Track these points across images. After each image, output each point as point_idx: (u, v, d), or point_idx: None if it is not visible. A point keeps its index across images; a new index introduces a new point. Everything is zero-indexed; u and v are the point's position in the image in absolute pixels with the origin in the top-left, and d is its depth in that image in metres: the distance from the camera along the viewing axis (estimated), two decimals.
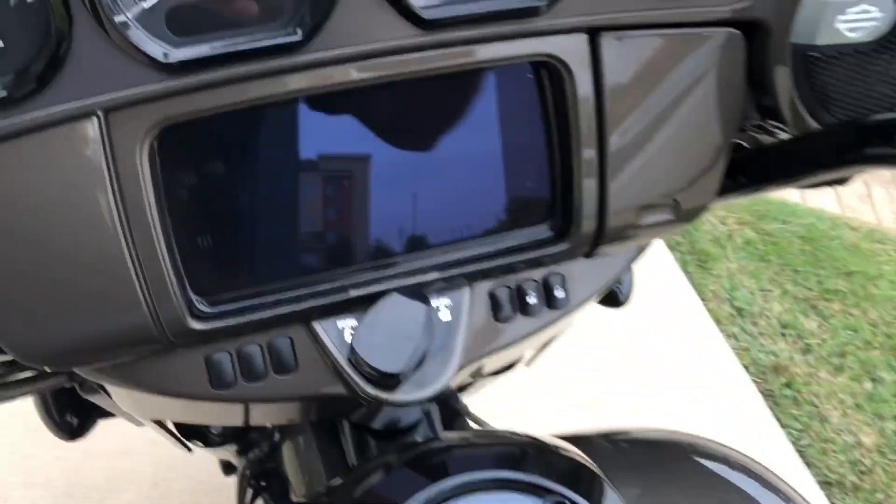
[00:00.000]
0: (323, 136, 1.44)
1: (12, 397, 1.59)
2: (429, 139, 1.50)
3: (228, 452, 2.87)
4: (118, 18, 1.20)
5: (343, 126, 1.49)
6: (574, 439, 1.53)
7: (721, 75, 1.42)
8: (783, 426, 4.85)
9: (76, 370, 1.51)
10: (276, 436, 2.11)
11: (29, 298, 1.31)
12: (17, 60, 1.17)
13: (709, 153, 1.47)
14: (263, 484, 3.07)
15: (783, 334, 5.48)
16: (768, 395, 5.07)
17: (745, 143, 1.73)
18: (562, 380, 4.84)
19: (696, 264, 6.05)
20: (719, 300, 5.75)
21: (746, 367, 5.29)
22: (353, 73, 1.28)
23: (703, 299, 5.78)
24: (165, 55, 1.22)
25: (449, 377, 1.41)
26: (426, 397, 1.39)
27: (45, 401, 2.11)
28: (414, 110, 1.50)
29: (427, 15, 1.21)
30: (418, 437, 1.67)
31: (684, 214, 1.52)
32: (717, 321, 5.61)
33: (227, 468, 3.16)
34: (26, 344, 1.31)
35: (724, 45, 1.41)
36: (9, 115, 1.18)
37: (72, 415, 2.07)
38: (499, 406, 4.58)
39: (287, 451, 2.04)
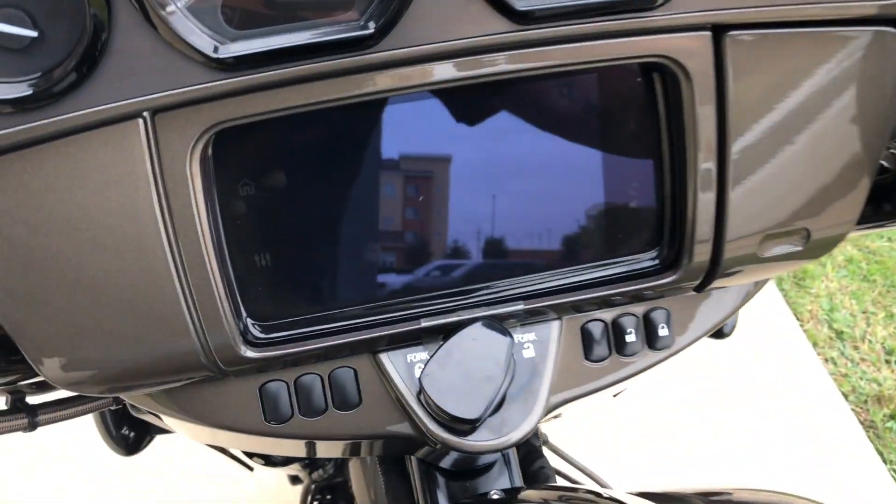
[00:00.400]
0: (396, 142, 1.26)
1: (58, 420, 1.47)
2: (517, 148, 1.30)
3: (293, 468, 2.74)
4: (165, 8, 1.05)
5: (420, 132, 1.30)
6: (667, 498, 1.31)
7: (867, 82, 1.17)
8: (885, 461, 4.46)
9: (120, 396, 1.38)
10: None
11: (66, 318, 1.17)
12: (53, 50, 1.02)
13: (850, 173, 1.23)
14: (329, 497, 2.93)
15: (887, 361, 5.07)
16: (870, 427, 4.67)
17: (889, 165, 1.47)
18: (643, 406, 4.57)
19: (792, 282, 5.67)
20: (817, 321, 5.36)
21: (846, 396, 4.91)
22: (435, 74, 1.09)
23: (799, 320, 5.42)
24: (216, 49, 1.05)
25: (532, 425, 1.22)
26: (504, 447, 1.20)
27: (101, 413, 2.01)
28: (501, 115, 1.30)
29: (522, 6, 1.02)
30: (493, 485, 1.46)
31: (814, 246, 1.28)
32: (815, 344, 5.24)
33: (294, 479, 3.04)
34: (63, 369, 1.17)
35: (871, 45, 1.16)
36: (46, 114, 1.03)
37: (128, 428, 1.96)
38: (578, 432, 4.36)
39: (354, 472, 1.88)
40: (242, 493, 4.15)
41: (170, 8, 1.05)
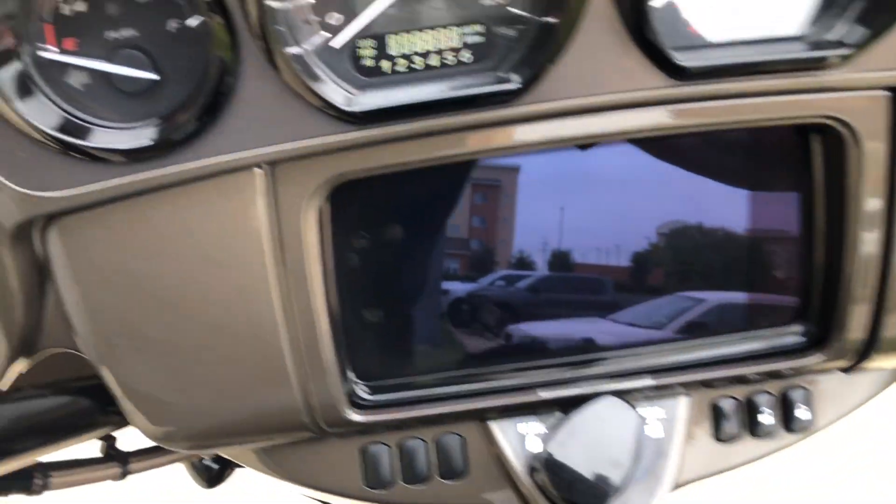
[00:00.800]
0: (524, 201, 1.16)
1: (149, 468, 1.40)
2: (652, 206, 1.19)
3: None
4: (291, 50, 0.96)
5: (549, 188, 1.20)
6: None
7: None
8: None
9: (216, 451, 1.31)
10: None
11: (168, 370, 1.10)
12: (173, 96, 0.95)
13: None
14: None
15: None
16: None
17: None
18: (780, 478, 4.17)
19: None
20: None
21: None
22: (580, 128, 0.99)
23: None
24: (349, 101, 0.97)
25: None
26: None
27: None
28: (635, 171, 1.19)
29: (685, 62, 0.91)
30: None
31: None
32: None
33: None
34: (162, 424, 1.11)
35: None
36: (161, 164, 0.96)
37: (212, 461, 1.91)
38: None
39: None
40: None
41: (296, 50, 0.96)
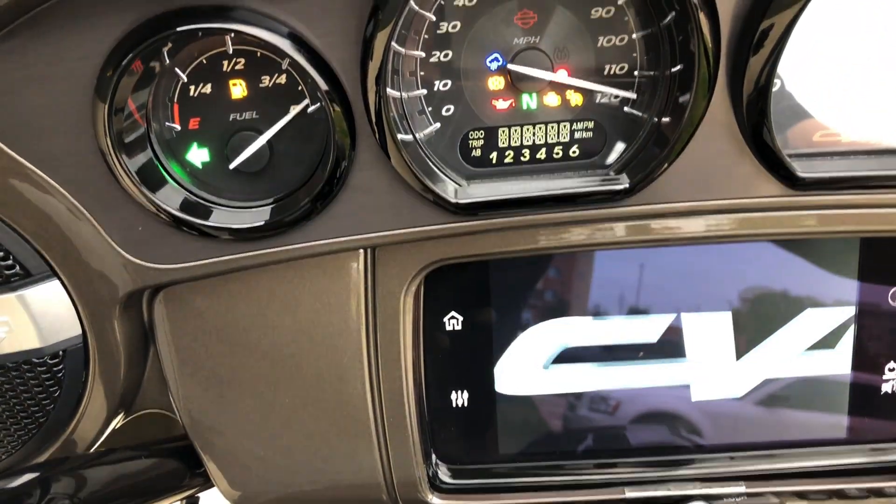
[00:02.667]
0: (620, 292, 1.14)
1: None
2: (757, 311, 1.15)
3: None
4: (404, 137, 0.98)
5: (645, 282, 1.18)
6: None
7: None
8: None
9: None
10: None
11: (255, 439, 1.12)
12: (288, 177, 0.98)
13: None
14: None
15: None
16: None
17: None
18: None
19: None
20: None
21: None
22: (688, 229, 0.98)
23: None
24: (456, 193, 0.97)
25: None
26: None
27: None
28: (735, 274, 1.16)
29: (804, 173, 0.89)
30: None
31: None
32: None
33: None
34: (244, 490, 1.12)
35: None
36: (270, 243, 0.98)
37: None
38: None
39: None
40: None
41: (408, 137, 0.97)
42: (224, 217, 0.98)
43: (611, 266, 1.16)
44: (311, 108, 1.00)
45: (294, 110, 0.99)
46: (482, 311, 1.16)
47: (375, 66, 0.89)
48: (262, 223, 0.97)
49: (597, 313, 1.18)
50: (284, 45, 0.89)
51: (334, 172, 0.96)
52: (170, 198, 0.98)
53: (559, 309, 1.18)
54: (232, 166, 1.00)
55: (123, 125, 0.94)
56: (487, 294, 1.16)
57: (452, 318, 1.16)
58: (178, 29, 0.87)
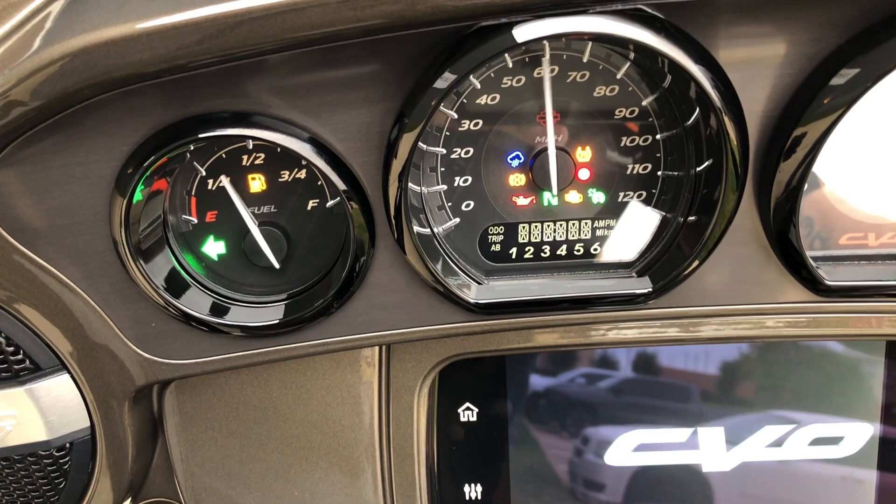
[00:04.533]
0: (641, 394, 1.12)
1: None
2: (773, 414, 1.12)
3: None
4: (421, 230, 0.96)
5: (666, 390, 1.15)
6: None
7: None
8: None
9: None
10: None
11: None
12: (305, 273, 0.95)
13: None
14: None
15: None
16: None
17: None
18: None
19: None
20: None
21: None
22: (709, 332, 0.95)
23: None
24: (474, 293, 0.95)
25: None
26: None
27: None
28: (767, 378, 1.13)
29: (833, 282, 0.86)
30: None
31: None
32: None
33: None
34: None
35: None
36: (283, 340, 0.96)
37: None
38: None
39: None
40: None
41: (423, 230, 0.96)
42: (240, 315, 0.97)
43: (630, 366, 1.13)
44: (329, 203, 0.98)
45: (313, 205, 0.98)
46: (498, 402, 1.13)
47: (399, 165, 0.88)
48: (276, 321, 0.95)
49: (617, 417, 1.15)
50: (305, 150, 0.88)
51: (353, 269, 0.95)
52: (194, 302, 0.97)
53: (575, 406, 1.15)
54: (247, 260, 0.99)
55: (141, 223, 0.93)
56: (504, 386, 1.14)
57: (468, 409, 1.14)
58: (200, 136, 0.86)
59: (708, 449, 1.16)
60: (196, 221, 0.99)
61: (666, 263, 0.94)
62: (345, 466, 1.02)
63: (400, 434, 1.00)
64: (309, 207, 0.99)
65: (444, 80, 0.82)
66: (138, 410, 1.01)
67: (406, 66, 0.86)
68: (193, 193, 0.99)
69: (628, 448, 1.17)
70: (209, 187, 0.98)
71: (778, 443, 1.14)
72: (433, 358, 0.98)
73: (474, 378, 1.10)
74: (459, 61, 0.81)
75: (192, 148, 0.88)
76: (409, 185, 0.93)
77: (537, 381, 1.16)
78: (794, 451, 1.13)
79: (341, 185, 0.89)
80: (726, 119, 0.88)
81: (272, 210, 0.99)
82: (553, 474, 1.16)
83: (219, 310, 0.97)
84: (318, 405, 1.01)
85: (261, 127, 0.87)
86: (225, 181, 0.96)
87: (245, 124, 0.87)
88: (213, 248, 1.00)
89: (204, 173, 0.97)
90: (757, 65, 0.88)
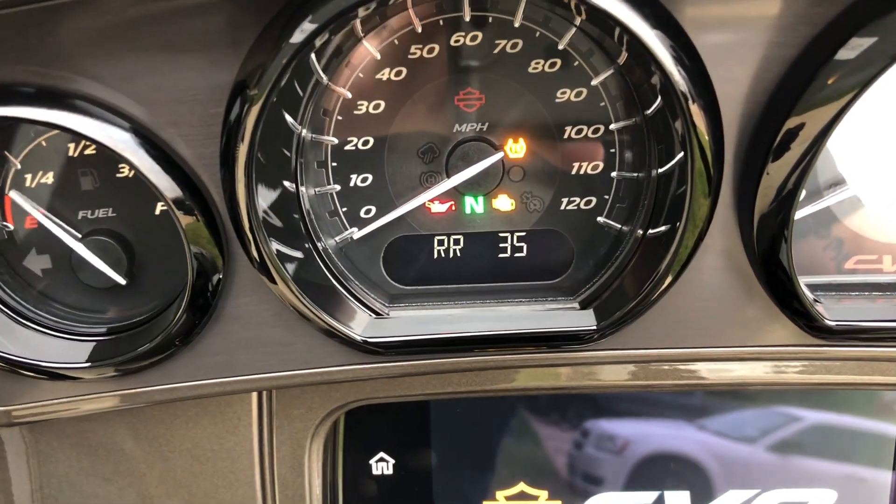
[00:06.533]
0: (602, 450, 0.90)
1: None
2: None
3: None
4: (279, 247, 0.73)
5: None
6: None
7: None
8: None
9: None
10: None
11: None
12: (144, 300, 0.73)
13: None
14: None
15: None
16: None
17: None
18: None
19: None
20: None
21: None
22: (677, 378, 0.73)
23: None
24: (365, 327, 0.73)
25: None
26: None
27: None
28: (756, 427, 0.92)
29: (834, 322, 0.63)
30: None
31: None
32: None
33: None
34: None
35: None
36: (109, 386, 0.74)
37: None
38: None
39: None
40: None
41: (300, 246, 0.73)
42: (35, 347, 0.74)
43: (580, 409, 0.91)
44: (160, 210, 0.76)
45: (159, 208, 0.75)
46: (420, 451, 0.92)
47: (244, 151, 0.65)
48: (77, 363, 0.72)
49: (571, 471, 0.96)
50: (115, 141, 0.64)
51: (200, 295, 0.72)
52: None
53: (514, 454, 0.93)
54: (75, 278, 0.76)
55: None
56: (427, 430, 0.92)
57: (381, 460, 0.92)
58: None
59: None
60: (12, 228, 0.76)
61: (617, 293, 0.71)
62: None
63: (289, 498, 0.78)
64: (157, 212, 0.76)
65: (302, 32, 0.60)
66: None
67: (247, 20, 0.63)
68: (7, 191, 0.76)
69: None
70: (27, 184, 0.75)
71: None
72: (327, 404, 0.77)
73: (390, 423, 0.89)
74: (326, 4, 0.58)
75: None
76: (284, 183, 0.70)
77: (469, 425, 0.94)
78: None
79: (169, 192, 0.66)
80: (693, 106, 0.65)
81: (109, 214, 0.76)
82: None
83: (12, 336, 0.74)
84: (183, 461, 0.79)
85: (57, 107, 0.64)
86: (16, 195, 0.72)
87: (36, 102, 0.64)
88: (37, 262, 0.78)
89: (19, 165, 0.74)
90: (737, 32, 0.65)
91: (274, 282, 0.70)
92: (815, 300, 0.73)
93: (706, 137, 0.65)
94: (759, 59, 0.66)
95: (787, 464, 0.96)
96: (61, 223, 0.73)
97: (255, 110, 0.63)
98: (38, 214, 0.72)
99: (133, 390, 0.75)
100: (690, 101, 0.64)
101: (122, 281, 0.75)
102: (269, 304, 0.73)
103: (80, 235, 0.75)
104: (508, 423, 0.96)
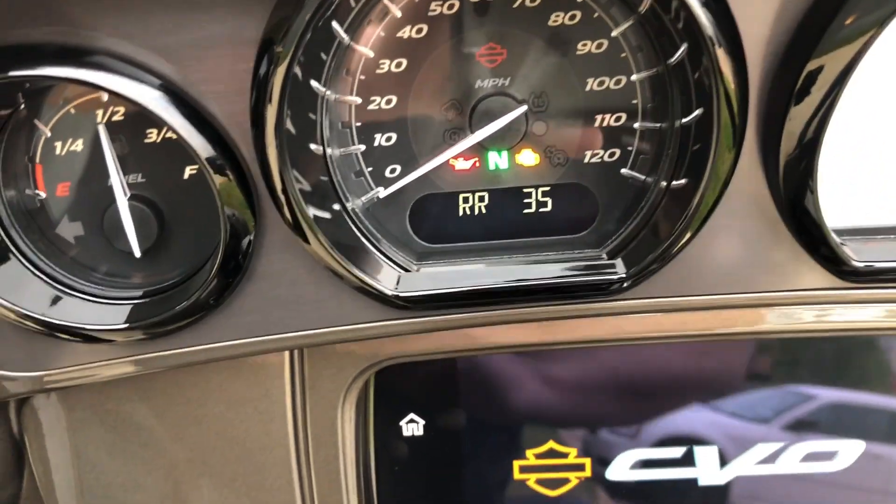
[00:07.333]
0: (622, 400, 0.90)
1: None
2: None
3: None
4: (317, 212, 0.74)
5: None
6: None
7: None
8: None
9: None
10: None
11: None
12: (177, 262, 0.75)
13: None
14: None
15: None
16: None
17: None
18: None
19: None
20: None
21: None
22: (707, 324, 0.75)
23: None
24: (398, 281, 0.74)
25: None
26: None
27: None
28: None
29: (861, 263, 0.63)
30: None
31: None
32: None
33: None
34: None
35: None
36: (163, 345, 0.75)
37: None
38: None
39: None
40: None
41: (323, 213, 0.74)
42: (75, 312, 0.75)
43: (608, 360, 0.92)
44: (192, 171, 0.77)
45: (189, 172, 0.76)
46: (450, 412, 0.93)
47: (273, 111, 0.66)
48: (118, 325, 0.73)
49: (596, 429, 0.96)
50: (148, 98, 0.65)
51: (233, 254, 0.73)
52: (19, 289, 0.75)
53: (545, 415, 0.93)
54: (108, 243, 0.77)
55: None
56: (456, 391, 0.93)
57: (412, 421, 0.93)
58: (10, 74, 0.64)
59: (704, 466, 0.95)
60: (45, 196, 0.77)
61: (644, 241, 0.72)
62: (256, 497, 0.80)
63: (322, 457, 0.80)
64: (186, 176, 0.77)
65: None
66: None
67: None
68: (38, 160, 0.77)
69: (622, 466, 0.96)
70: (57, 152, 0.76)
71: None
72: (359, 363, 0.77)
73: (419, 383, 0.91)
74: None
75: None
76: (311, 146, 0.71)
77: (499, 385, 0.95)
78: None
79: (203, 151, 0.67)
80: (719, 52, 0.65)
81: (140, 180, 0.77)
82: (519, 496, 0.94)
83: (54, 304, 0.76)
84: (217, 424, 0.80)
85: (86, 66, 0.65)
86: (101, 130, 0.73)
87: (71, 63, 0.64)
88: (70, 229, 0.79)
89: (49, 133, 0.75)
90: None
91: (308, 242, 0.71)
92: (842, 243, 0.73)
93: (732, 85, 0.65)
94: (779, 2, 0.66)
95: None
96: (118, 179, 0.74)
97: (281, 70, 0.63)
98: (109, 160, 0.73)
99: (167, 352, 0.77)
100: (716, 45, 0.64)
101: (138, 252, 0.76)
102: (300, 263, 0.74)
103: (129, 194, 0.75)
104: (537, 381, 0.97)
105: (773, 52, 0.68)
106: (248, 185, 0.70)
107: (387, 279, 0.74)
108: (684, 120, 0.74)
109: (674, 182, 0.74)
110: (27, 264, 0.77)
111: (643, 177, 0.77)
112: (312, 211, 0.71)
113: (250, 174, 0.70)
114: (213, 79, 0.67)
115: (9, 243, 0.76)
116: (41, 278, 0.77)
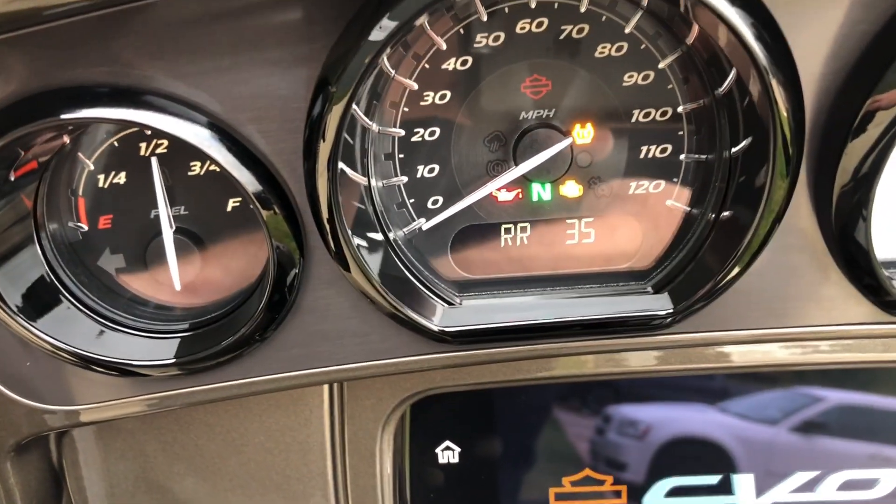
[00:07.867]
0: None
1: None
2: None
3: None
4: (359, 241, 0.73)
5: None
6: None
7: None
8: None
9: None
10: None
11: None
12: (230, 293, 0.74)
13: None
14: None
15: None
16: None
17: None
18: None
19: None
20: None
21: None
22: (751, 358, 0.73)
23: None
24: (442, 316, 0.73)
25: None
26: None
27: None
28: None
29: None
30: None
31: None
32: None
33: None
34: None
35: None
36: (190, 382, 0.74)
37: None
38: None
39: None
40: None
41: (374, 237, 0.73)
42: (123, 347, 0.75)
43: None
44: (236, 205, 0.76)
45: (231, 205, 0.76)
46: (485, 439, 0.92)
47: (327, 149, 0.65)
48: (166, 360, 0.73)
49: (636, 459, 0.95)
50: (195, 135, 0.65)
51: (279, 289, 0.72)
52: (64, 326, 0.75)
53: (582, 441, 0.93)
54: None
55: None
56: (492, 418, 0.92)
57: (447, 448, 0.92)
58: (63, 117, 0.64)
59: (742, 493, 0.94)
60: (87, 228, 0.77)
61: (691, 275, 0.71)
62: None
63: (360, 487, 0.79)
64: (229, 209, 0.76)
65: (382, 30, 0.60)
66: (28, 464, 0.80)
67: (329, 14, 0.63)
68: (81, 193, 0.77)
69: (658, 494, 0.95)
70: (100, 185, 0.76)
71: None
72: (398, 393, 0.77)
73: (455, 411, 0.90)
74: (401, 2, 0.59)
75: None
76: (353, 175, 0.71)
77: (534, 413, 0.94)
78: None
79: (251, 186, 0.67)
80: (774, 81, 0.64)
81: (182, 212, 0.77)
82: None
83: (99, 339, 0.75)
84: (256, 454, 0.79)
85: (138, 106, 0.64)
86: (154, 163, 0.73)
87: (120, 103, 0.64)
88: (111, 262, 0.78)
89: (92, 167, 0.75)
90: (815, 6, 0.64)
91: (349, 271, 0.71)
92: (890, 277, 0.73)
93: (785, 114, 0.64)
94: (839, 36, 0.65)
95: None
96: (168, 209, 0.74)
97: (337, 109, 0.63)
98: (159, 193, 0.72)
99: (209, 385, 0.76)
100: (771, 74, 0.63)
101: (178, 285, 0.75)
102: (345, 297, 0.73)
103: (174, 227, 0.75)
104: (573, 409, 0.96)
105: (829, 86, 0.68)
106: (296, 219, 0.70)
107: (432, 313, 0.73)
108: (733, 149, 0.73)
109: (722, 214, 0.74)
110: (72, 300, 0.76)
111: (689, 208, 0.77)
112: (356, 241, 0.70)
113: (297, 208, 0.70)
114: (265, 117, 0.67)
115: (54, 279, 0.76)
116: (86, 313, 0.77)
